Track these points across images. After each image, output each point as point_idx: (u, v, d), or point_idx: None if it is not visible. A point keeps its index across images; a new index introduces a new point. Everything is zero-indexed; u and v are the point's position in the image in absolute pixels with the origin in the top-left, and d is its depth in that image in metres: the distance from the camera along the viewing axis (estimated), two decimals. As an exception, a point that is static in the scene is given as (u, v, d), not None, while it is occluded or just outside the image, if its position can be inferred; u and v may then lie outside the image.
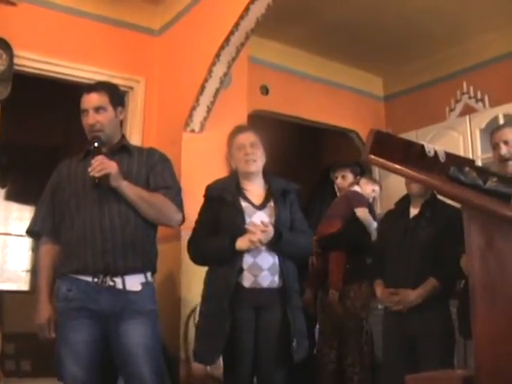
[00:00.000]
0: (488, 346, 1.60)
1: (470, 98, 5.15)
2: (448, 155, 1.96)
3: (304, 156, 6.70)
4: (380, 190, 4.58)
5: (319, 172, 6.25)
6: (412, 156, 1.86)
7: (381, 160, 1.76)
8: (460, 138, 4.96)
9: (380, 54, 5.56)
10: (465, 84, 5.18)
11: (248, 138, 3.04)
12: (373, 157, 1.74)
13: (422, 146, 1.90)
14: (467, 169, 1.77)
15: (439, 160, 1.93)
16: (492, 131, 3.16)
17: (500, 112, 4.70)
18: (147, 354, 2.57)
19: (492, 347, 1.59)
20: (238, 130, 3.13)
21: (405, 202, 3.50)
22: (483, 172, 1.80)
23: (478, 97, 5.08)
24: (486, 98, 5.01)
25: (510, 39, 5.00)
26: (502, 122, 4.59)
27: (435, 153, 1.92)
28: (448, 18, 4.84)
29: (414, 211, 3.40)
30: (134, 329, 2.56)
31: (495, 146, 3.00)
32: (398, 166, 1.75)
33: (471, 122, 4.93)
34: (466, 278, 2.70)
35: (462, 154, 4.67)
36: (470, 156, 4.68)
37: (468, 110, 5.11)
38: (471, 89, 5.14)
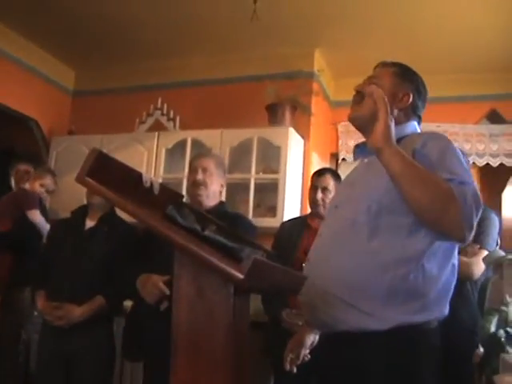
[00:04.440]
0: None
1: (162, 114, 5.09)
2: (162, 188, 1.85)
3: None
4: (54, 180, 4.30)
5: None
6: (128, 183, 1.68)
7: (96, 185, 1.53)
8: (145, 153, 4.86)
9: (80, 48, 5.27)
10: (160, 100, 5.12)
11: None
12: (89, 180, 1.51)
13: (140, 175, 1.74)
14: (187, 210, 1.66)
15: (153, 191, 1.80)
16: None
17: (189, 136, 4.76)
18: None
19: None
20: None
21: (82, 211, 3.36)
22: (202, 217, 1.72)
23: (170, 115, 5.06)
24: (178, 119, 5.02)
25: (208, 68, 5.17)
26: (189, 145, 4.70)
27: (151, 184, 1.79)
28: (158, 31, 4.80)
29: (90, 223, 3.30)
30: None
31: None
32: (114, 196, 1.55)
33: (159, 139, 4.87)
34: (138, 298, 2.64)
35: (144, 170, 4.62)
36: (152, 174, 4.66)
37: (158, 127, 5.05)
38: (165, 106, 5.10)
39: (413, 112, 1.93)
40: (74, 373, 3.05)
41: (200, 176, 2.91)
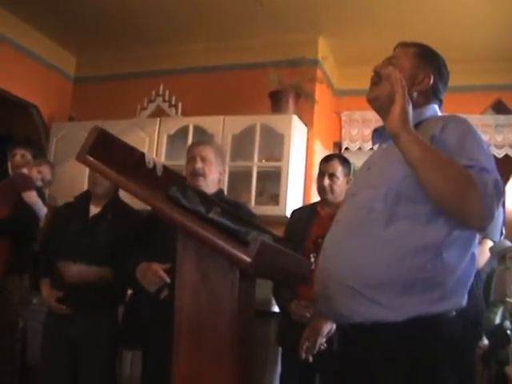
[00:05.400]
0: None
1: (164, 101, 5.03)
2: (165, 170, 1.79)
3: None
4: (51, 172, 4.25)
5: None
6: (130, 163, 1.63)
7: (97, 163, 1.48)
8: (147, 139, 4.78)
9: (82, 34, 5.18)
10: (162, 86, 5.06)
11: None
12: (90, 158, 1.46)
13: (143, 155, 1.69)
14: (190, 192, 1.61)
15: (156, 173, 1.75)
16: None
17: (191, 122, 4.69)
18: None
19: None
20: None
21: (85, 197, 3.31)
22: (206, 199, 1.66)
23: (172, 102, 5.00)
24: (180, 105, 4.97)
25: (210, 55, 5.09)
26: (191, 131, 4.64)
27: (154, 165, 1.73)
28: (160, 17, 4.72)
29: (94, 209, 3.25)
30: None
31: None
32: (116, 176, 1.50)
33: (161, 125, 4.79)
34: (137, 287, 2.60)
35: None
36: (154, 160, 4.61)
37: (160, 113, 4.99)
38: (167, 92, 5.04)
39: (433, 95, 1.83)
40: (80, 359, 3.03)
41: (199, 165, 2.82)
